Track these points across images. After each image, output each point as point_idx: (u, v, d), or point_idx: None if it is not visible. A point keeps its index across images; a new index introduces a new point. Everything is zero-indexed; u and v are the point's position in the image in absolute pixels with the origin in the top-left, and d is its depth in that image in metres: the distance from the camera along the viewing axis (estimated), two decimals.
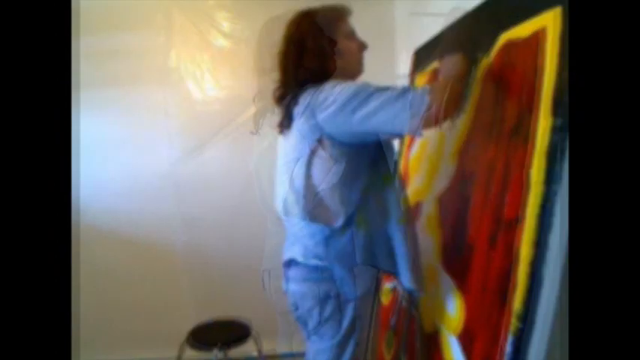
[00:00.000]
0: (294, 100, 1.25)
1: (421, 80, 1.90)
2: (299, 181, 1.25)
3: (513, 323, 0.96)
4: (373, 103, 1.10)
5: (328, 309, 1.28)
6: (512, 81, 1.13)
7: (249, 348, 2.21)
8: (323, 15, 1.30)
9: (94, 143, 2.42)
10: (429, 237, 1.52)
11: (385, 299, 1.93)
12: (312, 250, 1.27)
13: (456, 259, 1.28)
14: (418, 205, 1.67)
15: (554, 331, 0.88)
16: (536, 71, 1.02)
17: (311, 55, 1.26)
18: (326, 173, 1.22)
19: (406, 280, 1.27)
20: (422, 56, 1.89)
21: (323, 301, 1.27)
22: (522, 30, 1.11)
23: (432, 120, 1.07)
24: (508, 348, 0.97)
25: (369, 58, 1.89)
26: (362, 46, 1.35)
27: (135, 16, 2.46)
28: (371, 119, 1.11)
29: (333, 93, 1.17)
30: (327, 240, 1.25)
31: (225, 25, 2.50)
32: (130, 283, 2.54)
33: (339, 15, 1.32)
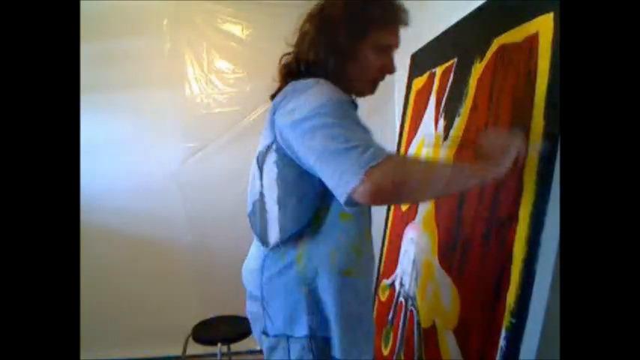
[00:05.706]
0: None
1: (418, 84, 1.92)
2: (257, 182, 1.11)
3: (507, 319, 0.98)
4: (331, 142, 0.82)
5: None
6: (506, 84, 1.15)
7: (251, 343, 2.24)
8: (370, 9, 1.02)
9: (101, 144, 2.44)
10: (425, 234, 1.55)
11: (382, 295, 1.96)
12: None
13: (452, 255, 1.31)
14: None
15: (546, 326, 0.90)
16: (529, 75, 1.05)
17: (325, 39, 1.00)
18: (270, 179, 1.04)
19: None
20: (419, 60, 1.90)
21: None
22: (516, 35, 1.13)
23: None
24: (502, 342, 0.99)
25: None
26: (385, 68, 1.08)
27: (141, 21, 2.49)
28: (317, 165, 0.86)
29: (298, 101, 0.92)
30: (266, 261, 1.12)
31: (230, 29, 2.52)
32: (135, 281, 2.57)
33: (387, 18, 1.04)
